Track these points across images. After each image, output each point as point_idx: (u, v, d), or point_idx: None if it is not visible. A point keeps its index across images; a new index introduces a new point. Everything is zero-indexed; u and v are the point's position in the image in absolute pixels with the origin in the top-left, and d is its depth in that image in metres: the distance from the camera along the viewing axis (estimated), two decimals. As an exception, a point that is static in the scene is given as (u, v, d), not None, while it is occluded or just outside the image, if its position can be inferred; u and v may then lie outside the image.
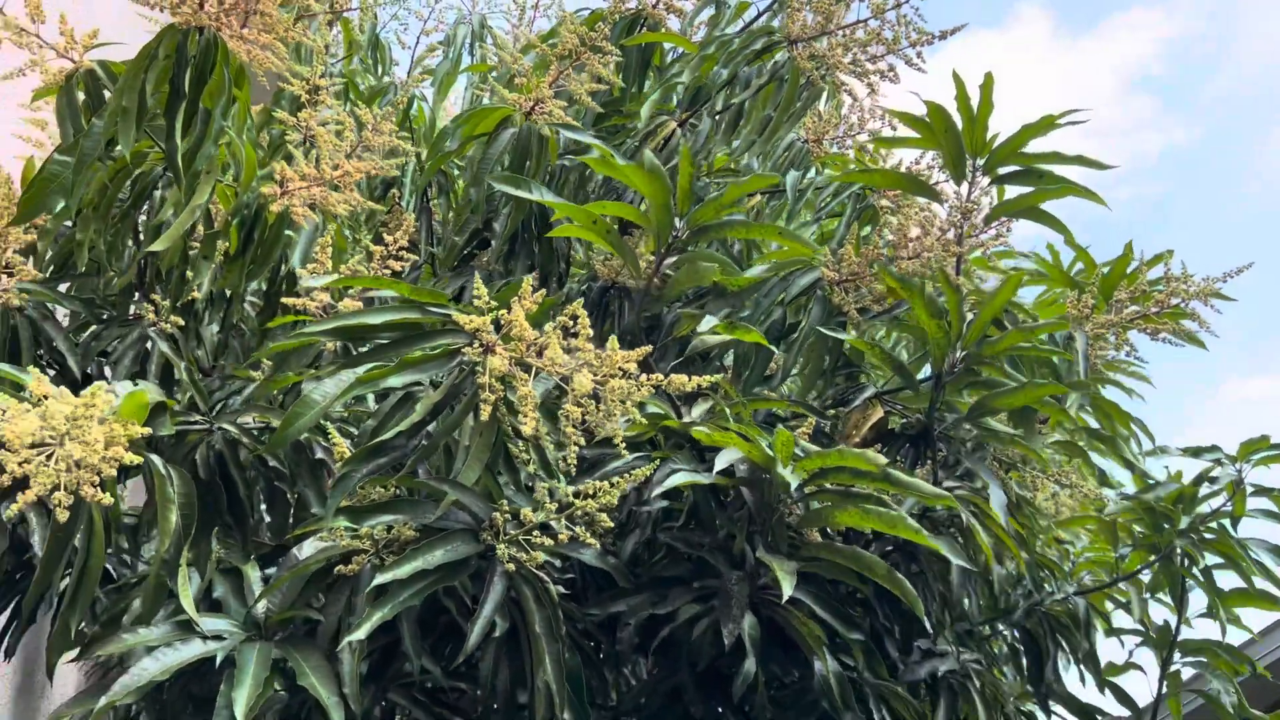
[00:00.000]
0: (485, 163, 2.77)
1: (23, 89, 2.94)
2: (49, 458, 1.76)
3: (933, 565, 2.54)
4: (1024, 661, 3.36)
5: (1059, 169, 2.57)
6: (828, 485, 2.02)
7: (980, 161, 2.60)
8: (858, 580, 2.12)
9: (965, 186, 2.61)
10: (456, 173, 3.96)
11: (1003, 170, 2.67)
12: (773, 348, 2.28)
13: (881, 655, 2.55)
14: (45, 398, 1.80)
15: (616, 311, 3.05)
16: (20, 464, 1.74)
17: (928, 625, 2.42)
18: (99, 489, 1.80)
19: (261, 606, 2.04)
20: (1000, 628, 3.30)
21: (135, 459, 1.83)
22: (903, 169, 2.90)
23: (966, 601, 2.81)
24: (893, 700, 2.47)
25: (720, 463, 1.98)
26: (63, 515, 1.77)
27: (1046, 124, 2.50)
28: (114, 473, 1.85)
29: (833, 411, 2.74)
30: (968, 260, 2.79)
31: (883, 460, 1.96)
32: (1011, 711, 3.11)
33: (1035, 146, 2.57)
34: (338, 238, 2.62)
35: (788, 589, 1.85)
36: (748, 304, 2.46)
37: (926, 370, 2.99)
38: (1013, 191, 2.73)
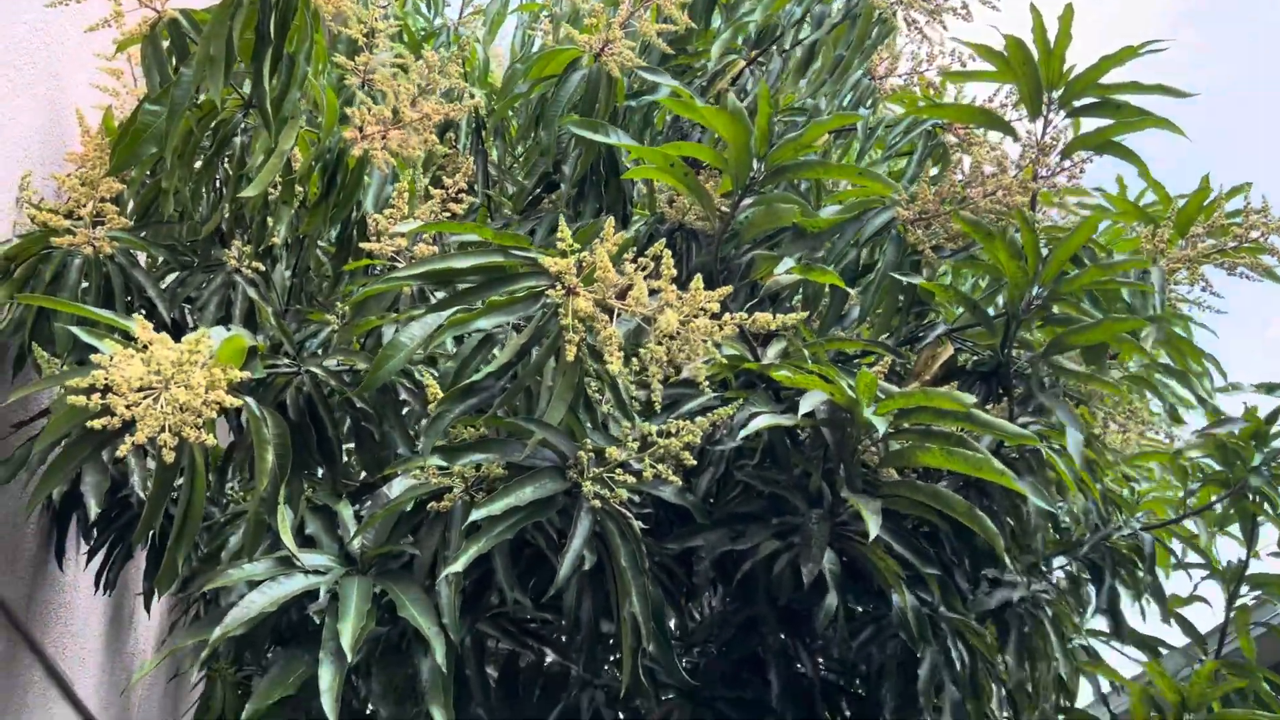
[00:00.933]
0: (555, 105, 2.78)
1: (97, 41, 2.99)
2: (155, 401, 1.83)
3: (1004, 500, 2.56)
4: (1088, 593, 3.39)
5: (1137, 100, 2.52)
6: (908, 425, 2.04)
7: (1056, 95, 2.57)
8: (935, 516, 2.16)
9: (1040, 121, 2.58)
10: (511, 114, 3.97)
11: (1079, 103, 2.63)
12: (849, 289, 2.29)
13: (954, 588, 2.59)
14: (149, 344, 1.87)
15: (684, 253, 3.07)
16: (128, 407, 1.82)
17: (1004, 559, 2.45)
18: (200, 430, 1.88)
19: (357, 542, 2.12)
20: (1065, 560, 3.33)
21: (235, 402, 1.90)
22: (967, 103, 2.86)
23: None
24: (967, 634, 2.51)
25: (805, 405, 2.01)
26: (169, 456, 1.85)
27: (1127, 54, 2.46)
28: (214, 415, 1.93)
29: (906, 350, 2.75)
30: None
31: (969, 400, 1.97)
32: (1077, 642, 3.16)
33: (1112, 78, 2.53)
34: (411, 183, 2.65)
35: (874, 529, 1.88)
36: (827, 245, 2.47)
37: (995, 307, 2.98)
38: (1088, 125, 2.69)
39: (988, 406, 2.69)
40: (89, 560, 2.99)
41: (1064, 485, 2.65)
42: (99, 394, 1.80)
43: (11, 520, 2.78)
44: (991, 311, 2.85)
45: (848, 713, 3.08)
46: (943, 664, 2.64)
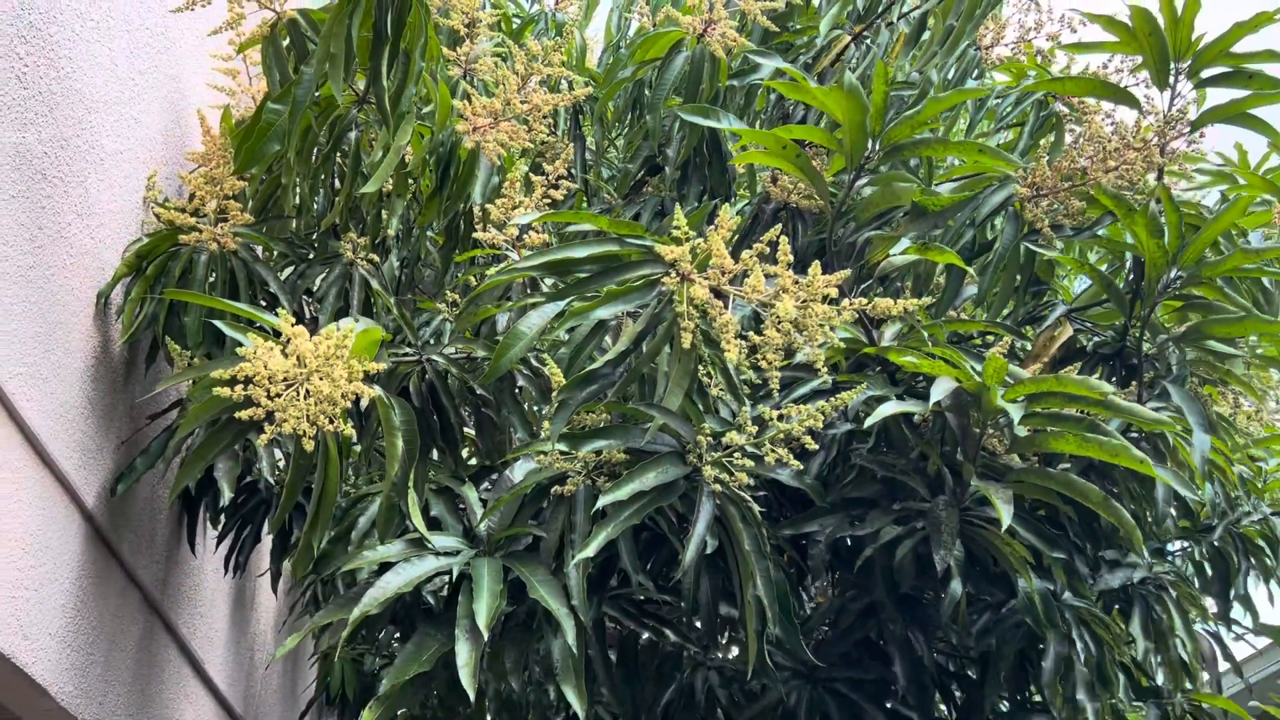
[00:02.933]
0: (660, 89, 2.79)
1: (212, 42, 3.09)
2: (297, 392, 1.89)
3: (1129, 485, 2.50)
4: (1211, 578, 3.29)
5: (1273, 69, 2.41)
6: (1039, 410, 1.99)
7: (1184, 65, 2.47)
8: (1060, 501, 2.11)
9: (1167, 93, 2.49)
10: (609, 101, 3.98)
11: (1208, 73, 2.53)
12: (967, 268, 2.25)
13: (1075, 571, 2.54)
14: (292, 337, 1.93)
15: (790, 233, 3.05)
16: (271, 398, 1.89)
17: (1141, 549, 2.39)
18: (336, 421, 1.94)
19: (483, 525, 2.17)
20: (1190, 545, 3.24)
21: (371, 392, 1.96)
22: (1089, 74, 2.77)
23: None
24: (1093, 623, 2.46)
25: (936, 393, 1.98)
26: (308, 445, 1.92)
27: (1264, 19, 2.35)
28: (349, 405, 1.99)
29: (1028, 329, 2.69)
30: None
31: (1106, 387, 1.92)
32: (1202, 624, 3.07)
33: (1244, 46, 2.42)
34: (514, 171, 2.68)
35: (1006, 519, 1.86)
36: (950, 220, 2.41)
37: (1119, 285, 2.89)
38: (1215, 95, 2.59)
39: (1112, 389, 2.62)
40: (218, 545, 3.12)
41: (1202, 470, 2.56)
42: (241, 385, 1.87)
43: (148, 508, 2.92)
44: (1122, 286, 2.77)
45: (958, 696, 3.05)
46: (1068, 654, 2.60)
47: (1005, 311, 2.88)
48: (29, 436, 2.28)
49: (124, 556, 2.79)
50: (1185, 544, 3.34)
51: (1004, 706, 3.16)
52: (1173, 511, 3.01)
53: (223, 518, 3.04)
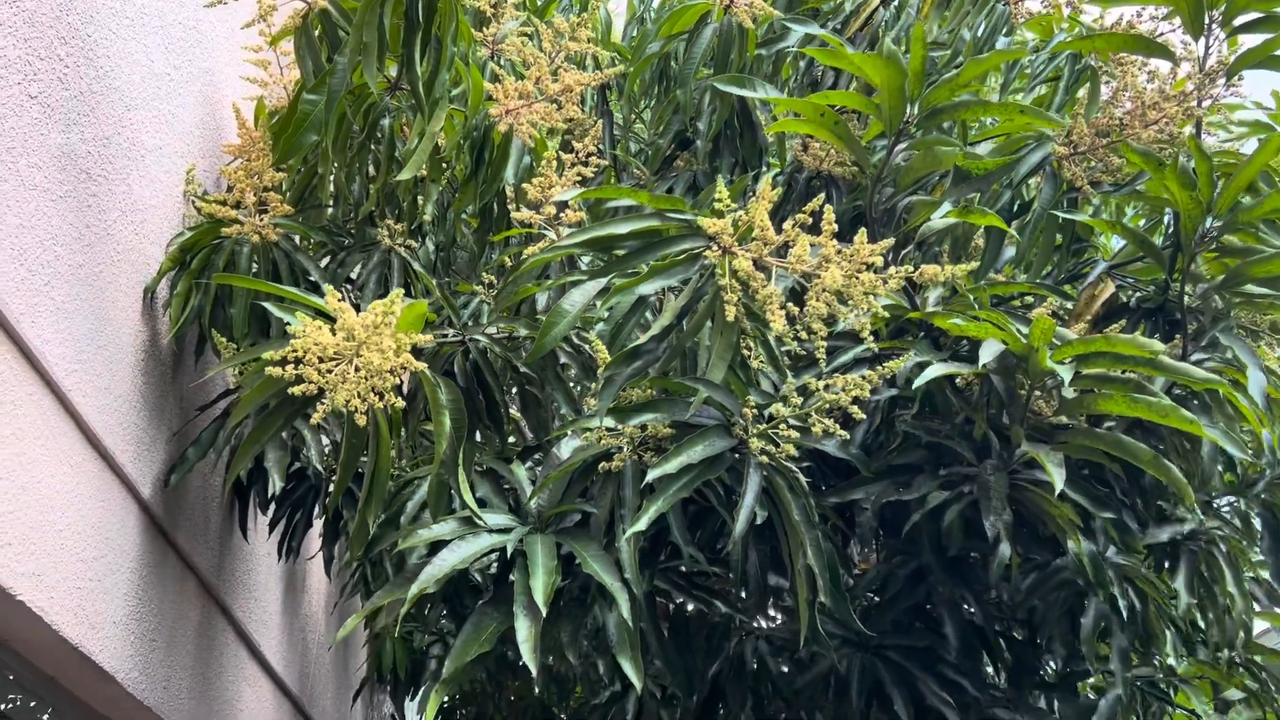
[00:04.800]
0: (689, 62, 2.78)
1: (243, 34, 3.11)
2: (348, 367, 1.92)
3: (1175, 441, 2.48)
4: (1260, 533, 3.27)
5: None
6: (1086, 371, 1.98)
7: (1218, 12, 2.43)
8: (1108, 460, 2.10)
9: (1203, 42, 2.45)
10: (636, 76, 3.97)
11: (1240, 20, 2.49)
12: (1009, 229, 2.23)
13: (1124, 528, 2.53)
14: (339, 314, 1.96)
15: (825, 202, 3.03)
16: (322, 375, 1.91)
17: (1194, 507, 2.38)
18: (388, 394, 1.97)
19: (533, 502, 2.19)
20: (1237, 499, 3.21)
21: (419, 366, 1.98)
22: (1120, 28, 2.73)
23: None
24: (1136, 579, 2.46)
25: (986, 355, 1.97)
26: (361, 420, 1.95)
27: (1300, -36, 2.31)
28: (398, 381, 2.01)
29: (1069, 288, 2.67)
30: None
31: (1157, 345, 1.91)
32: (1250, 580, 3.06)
33: (1280, -10, 2.38)
34: (544, 150, 2.69)
35: (1059, 483, 1.85)
36: (994, 184, 2.39)
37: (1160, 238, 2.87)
38: (1250, 42, 2.54)
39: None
40: (270, 531, 3.18)
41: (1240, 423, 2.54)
42: (293, 365, 1.90)
43: (201, 497, 2.97)
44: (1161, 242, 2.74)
45: (1008, 657, 3.06)
46: (1110, 611, 2.60)
47: (1045, 271, 2.86)
48: (86, 431, 2.33)
49: (180, 545, 2.86)
50: (1233, 499, 3.32)
51: (1053, 666, 3.17)
52: (1237, 451, 2.99)
53: (274, 505, 3.09)
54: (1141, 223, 3.22)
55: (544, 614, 1.82)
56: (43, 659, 2.33)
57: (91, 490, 2.36)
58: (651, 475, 1.87)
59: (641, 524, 1.84)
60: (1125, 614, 2.58)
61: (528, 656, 1.78)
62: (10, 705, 2.44)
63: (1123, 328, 2.48)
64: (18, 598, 2.04)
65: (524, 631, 1.82)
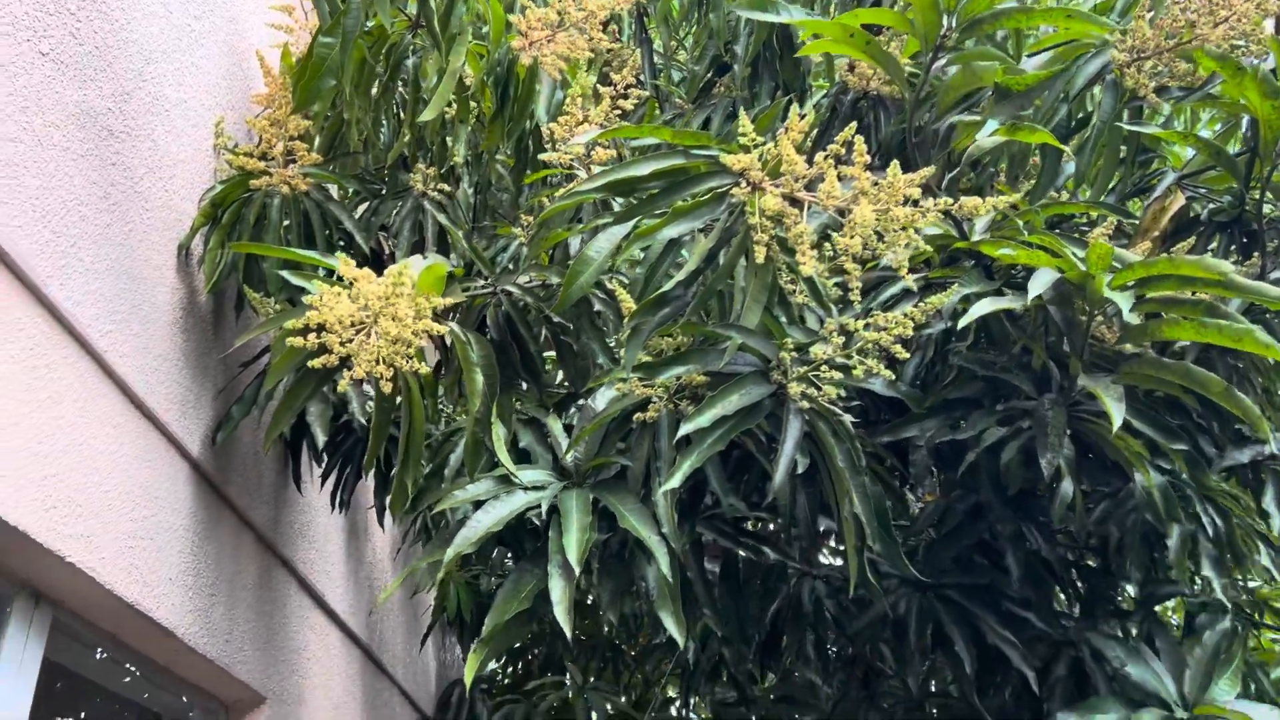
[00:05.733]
0: (722, -17, 2.62)
1: (268, -22, 3.04)
2: (367, 335, 1.88)
3: (1255, 358, 2.32)
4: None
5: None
6: (1152, 295, 1.84)
7: (1303, -109, 2.20)
8: (1178, 391, 1.97)
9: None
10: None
11: (1329, -103, 2.25)
12: (1062, 147, 2.07)
13: (1197, 451, 2.40)
14: (354, 280, 1.91)
15: (872, 122, 2.88)
16: (342, 344, 1.87)
17: (1268, 437, 2.23)
18: (413, 360, 1.92)
19: (570, 456, 2.14)
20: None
21: (441, 329, 1.93)
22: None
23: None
24: (1219, 498, 2.32)
25: (1036, 286, 1.84)
26: (386, 387, 1.90)
27: None
28: (423, 344, 1.96)
29: (1134, 203, 2.49)
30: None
31: (1225, 266, 1.75)
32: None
33: None
34: (583, 84, 2.58)
35: (1117, 419, 1.72)
36: (1037, 100, 2.23)
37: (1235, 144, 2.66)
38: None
39: (1231, 260, 2.43)
40: (323, 484, 3.19)
41: None
42: (314, 333, 1.87)
43: (253, 452, 2.99)
44: (1232, 152, 2.55)
45: (1083, 585, 2.96)
46: (1194, 534, 2.48)
47: (1111, 186, 2.68)
48: (126, 391, 2.33)
49: (234, 501, 2.88)
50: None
51: (1130, 592, 3.05)
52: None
53: (324, 457, 3.10)
54: (1217, 128, 3.00)
55: (577, 572, 1.78)
56: (100, 617, 2.37)
57: (137, 450, 2.36)
58: (684, 429, 1.80)
59: (674, 481, 1.77)
60: (1210, 532, 2.45)
61: (561, 617, 1.74)
62: (76, 662, 2.50)
63: (1194, 243, 2.31)
64: (68, 560, 2.07)
65: (558, 592, 1.78)
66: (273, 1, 2.97)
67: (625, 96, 2.66)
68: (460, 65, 2.24)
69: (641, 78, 3.68)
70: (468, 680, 1.80)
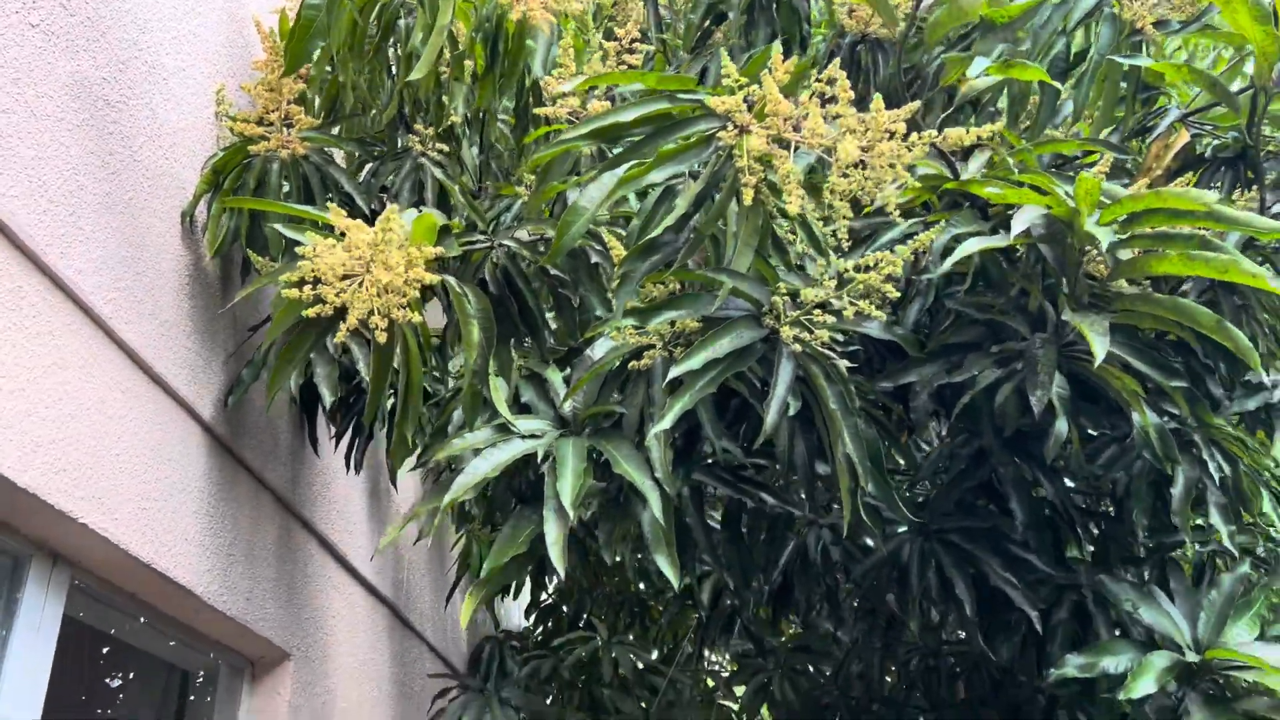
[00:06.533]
0: (715, -70, 2.60)
1: (264, -58, 3.04)
2: (360, 285, 1.90)
3: (1259, 294, 2.29)
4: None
5: None
6: (1141, 230, 1.82)
7: None
8: (1176, 328, 1.95)
9: None
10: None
11: None
12: (1056, 84, 2.04)
13: (1203, 395, 2.38)
14: (346, 231, 1.93)
15: (871, 66, 2.85)
16: (337, 294, 1.89)
17: (1261, 372, 2.21)
18: (408, 309, 1.94)
19: (568, 405, 2.16)
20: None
21: (434, 279, 1.94)
22: None
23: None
24: (1224, 441, 2.30)
25: (1018, 225, 1.82)
26: (382, 337, 1.92)
27: None
28: (417, 294, 1.98)
29: (1135, 143, 2.46)
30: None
31: (1209, 196, 1.72)
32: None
33: None
34: (575, 39, 2.57)
35: (1100, 352, 1.71)
36: (1023, 35, 2.20)
37: (1242, 79, 2.61)
38: None
39: (1235, 196, 2.39)
40: (336, 444, 3.23)
41: None
42: (310, 286, 1.89)
43: (265, 416, 3.03)
44: (1237, 87, 2.50)
45: (1096, 533, 2.95)
46: (1199, 478, 2.46)
47: (1116, 119, 2.64)
48: (134, 357, 2.37)
49: (249, 462, 2.93)
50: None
51: (1140, 537, 3.04)
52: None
53: (339, 418, 3.14)
54: (1225, 64, 2.94)
55: (571, 515, 1.80)
56: (119, 577, 2.44)
57: (146, 414, 2.41)
58: (674, 372, 1.81)
59: (666, 423, 1.78)
60: (1216, 478, 2.44)
61: (556, 559, 1.77)
62: (99, 620, 2.58)
63: (1195, 180, 2.28)
64: (80, 521, 2.12)
65: (552, 534, 1.80)
66: (270, -33, 2.98)
67: (631, 51, 2.65)
68: (448, 22, 2.24)
69: (648, 32, 3.66)
70: (463, 621, 1.84)
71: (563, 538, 1.79)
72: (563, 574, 1.75)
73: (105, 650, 3.08)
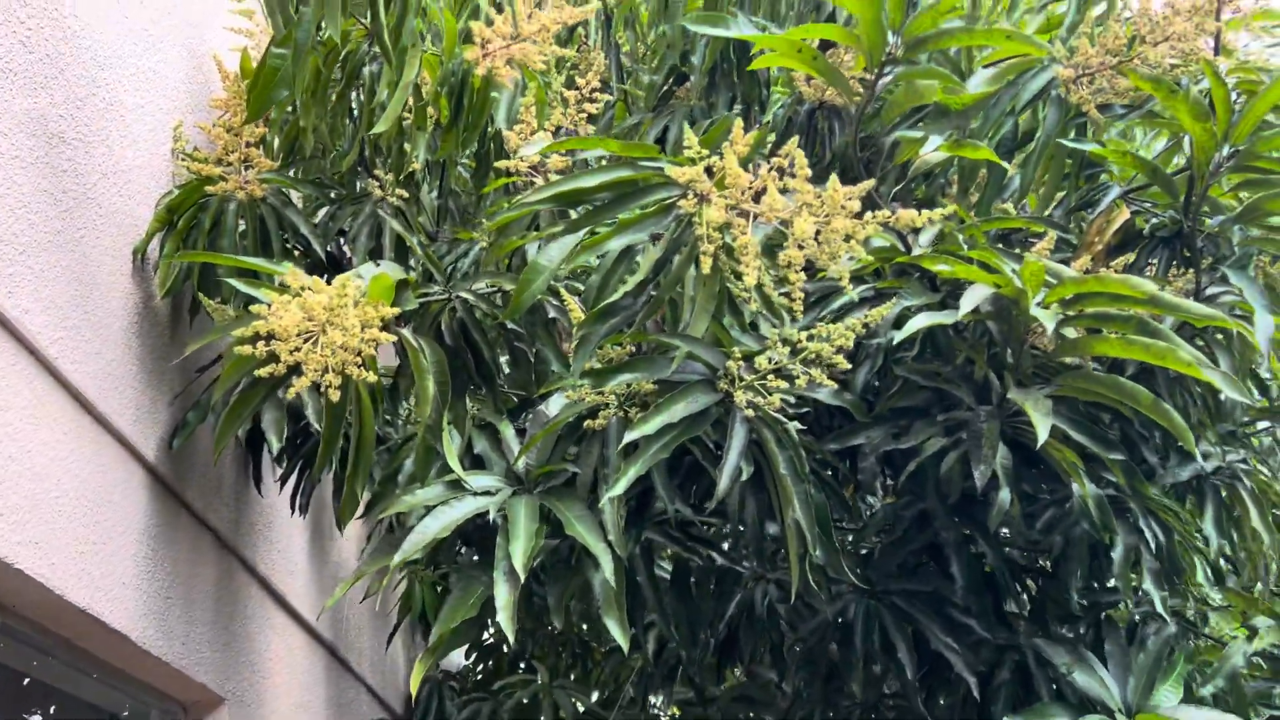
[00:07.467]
0: (678, -6, 2.65)
1: (228, -19, 3.04)
2: (315, 344, 1.90)
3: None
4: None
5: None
6: (1085, 311, 1.88)
7: (1241, -87, 2.25)
8: (1112, 402, 2.02)
9: (1225, -53, 2.27)
10: (640, 2, 3.84)
11: (1269, -78, 2.31)
12: (1005, 164, 2.11)
13: (1139, 463, 2.45)
14: (303, 289, 1.93)
15: (826, 132, 2.92)
16: (291, 352, 1.89)
17: (1194, 452, 2.29)
18: (362, 368, 1.94)
19: (521, 461, 2.17)
20: (1271, 424, 3.10)
21: (388, 338, 1.95)
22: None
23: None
24: (1160, 512, 2.38)
25: (967, 304, 1.88)
26: (335, 395, 1.92)
27: None
28: (374, 352, 1.98)
29: (1081, 215, 2.54)
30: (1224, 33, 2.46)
31: (1150, 286, 1.80)
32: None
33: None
34: (539, 94, 2.60)
35: (1043, 432, 1.77)
36: (975, 118, 2.28)
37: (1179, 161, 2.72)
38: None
39: (1171, 274, 2.48)
40: (281, 486, 3.19)
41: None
42: (263, 341, 1.88)
43: (209, 457, 2.99)
44: (1177, 163, 2.60)
45: (1034, 589, 3.01)
46: (1136, 545, 2.53)
47: (1060, 195, 2.73)
48: (79, 398, 2.33)
49: (191, 503, 2.88)
50: (1269, 425, 3.21)
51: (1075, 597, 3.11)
52: (1238, 396, 2.88)
53: (284, 459, 3.10)
54: (1161, 144, 3.06)
55: (523, 579, 1.80)
56: (53, 622, 2.38)
57: (89, 455, 2.37)
58: (629, 436, 1.83)
59: (618, 488, 1.80)
60: (1152, 546, 2.51)
61: (505, 625, 1.77)
62: (34, 667, 2.51)
63: (1134, 258, 2.36)
64: (16, 566, 2.07)
65: (502, 598, 1.80)
66: (233, 5, 2.97)
67: (592, 100, 2.69)
68: (413, 77, 2.26)
69: (609, 82, 3.71)
70: (413, 687, 1.82)
71: (513, 603, 1.80)
72: (512, 640, 1.74)
73: (30, 694, 2.99)
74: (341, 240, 2.90)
